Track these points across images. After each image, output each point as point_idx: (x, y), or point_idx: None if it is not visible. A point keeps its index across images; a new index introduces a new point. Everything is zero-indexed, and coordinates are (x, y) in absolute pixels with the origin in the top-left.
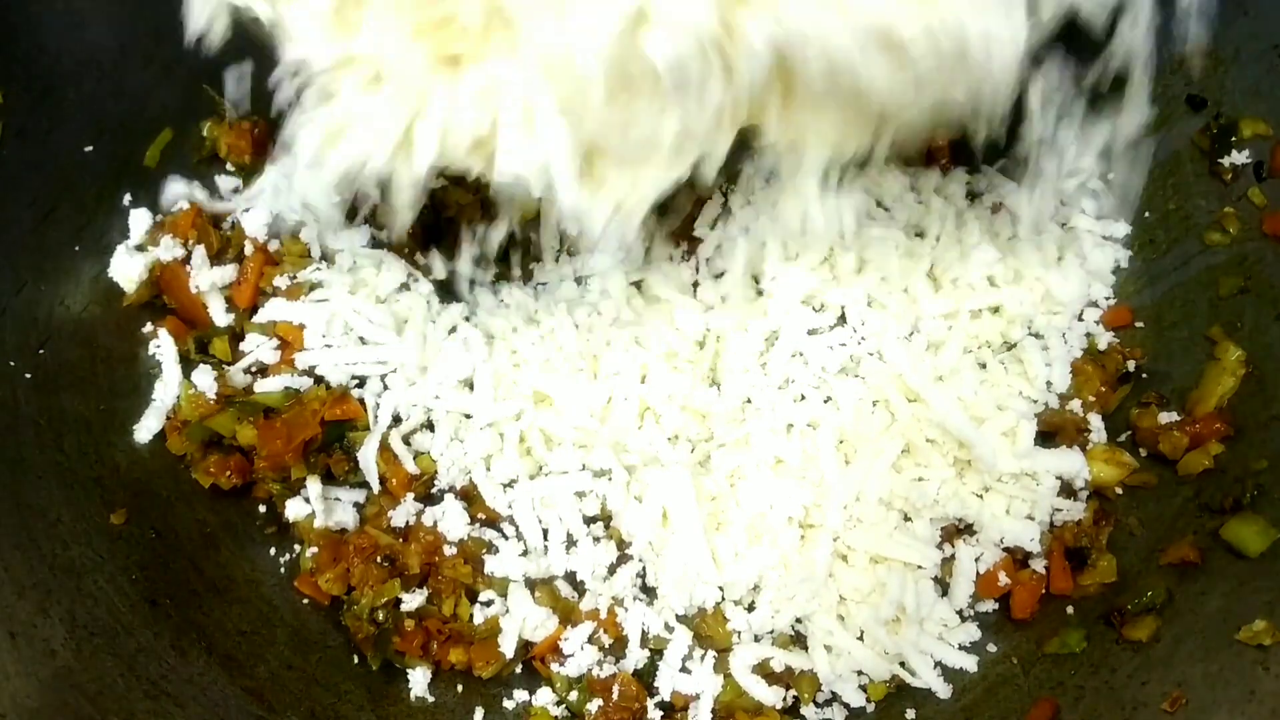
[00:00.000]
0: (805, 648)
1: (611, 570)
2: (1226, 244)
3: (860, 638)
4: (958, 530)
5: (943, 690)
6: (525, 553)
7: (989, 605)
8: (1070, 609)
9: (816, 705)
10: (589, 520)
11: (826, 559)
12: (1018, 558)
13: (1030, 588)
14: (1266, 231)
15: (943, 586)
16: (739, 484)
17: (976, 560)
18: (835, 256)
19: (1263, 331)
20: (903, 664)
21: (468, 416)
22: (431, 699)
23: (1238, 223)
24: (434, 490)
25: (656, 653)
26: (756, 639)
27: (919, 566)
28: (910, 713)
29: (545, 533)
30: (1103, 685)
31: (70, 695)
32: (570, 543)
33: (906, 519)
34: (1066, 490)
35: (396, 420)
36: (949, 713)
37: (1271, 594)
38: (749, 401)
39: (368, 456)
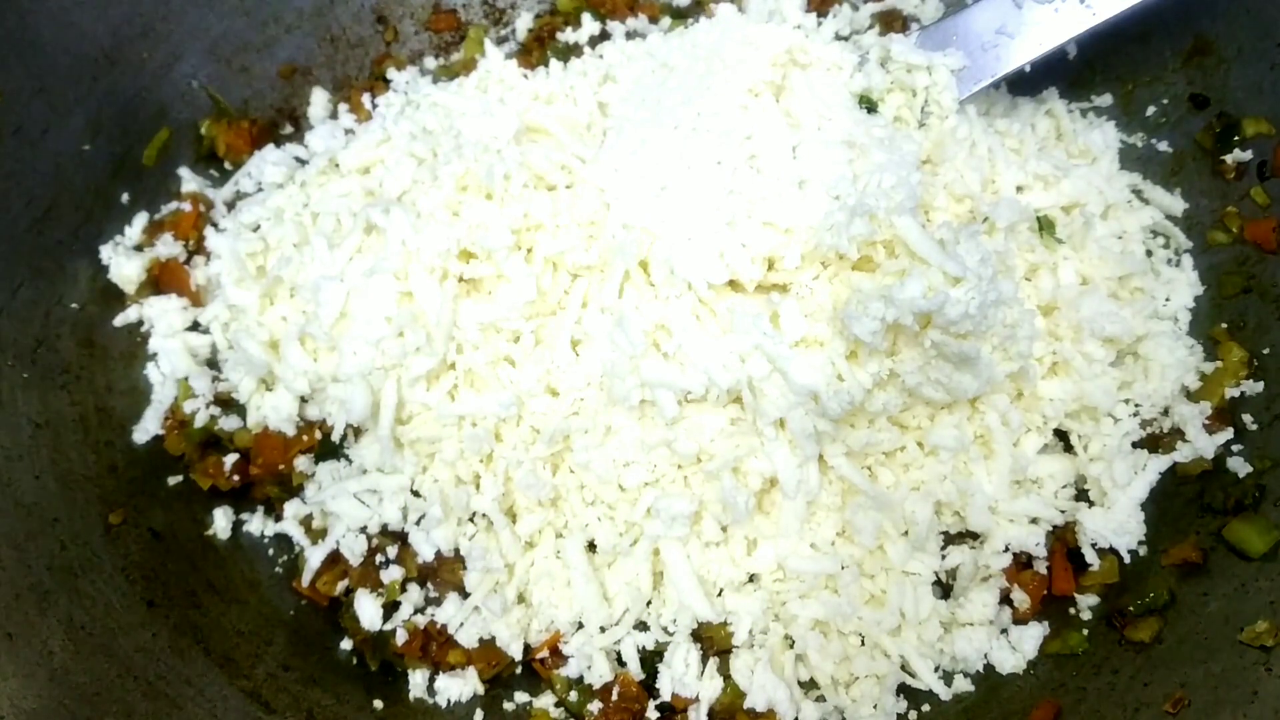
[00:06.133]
0: (805, 651)
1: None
2: (1229, 243)
3: (862, 642)
4: (960, 535)
5: (943, 691)
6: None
7: (991, 607)
8: (1072, 610)
9: (817, 708)
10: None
11: (827, 564)
12: (1020, 560)
13: (1032, 589)
14: (1248, 238)
15: (944, 588)
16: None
17: (979, 565)
18: None
19: (1265, 331)
20: (903, 665)
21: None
22: (431, 700)
23: (1239, 221)
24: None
25: (657, 654)
26: (757, 642)
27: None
28: (911, 713)
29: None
30: (1105, 686)
31: (67, 696)
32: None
33: (907, 531)
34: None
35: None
36: (950, 714)
37: (1274, 594)
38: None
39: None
